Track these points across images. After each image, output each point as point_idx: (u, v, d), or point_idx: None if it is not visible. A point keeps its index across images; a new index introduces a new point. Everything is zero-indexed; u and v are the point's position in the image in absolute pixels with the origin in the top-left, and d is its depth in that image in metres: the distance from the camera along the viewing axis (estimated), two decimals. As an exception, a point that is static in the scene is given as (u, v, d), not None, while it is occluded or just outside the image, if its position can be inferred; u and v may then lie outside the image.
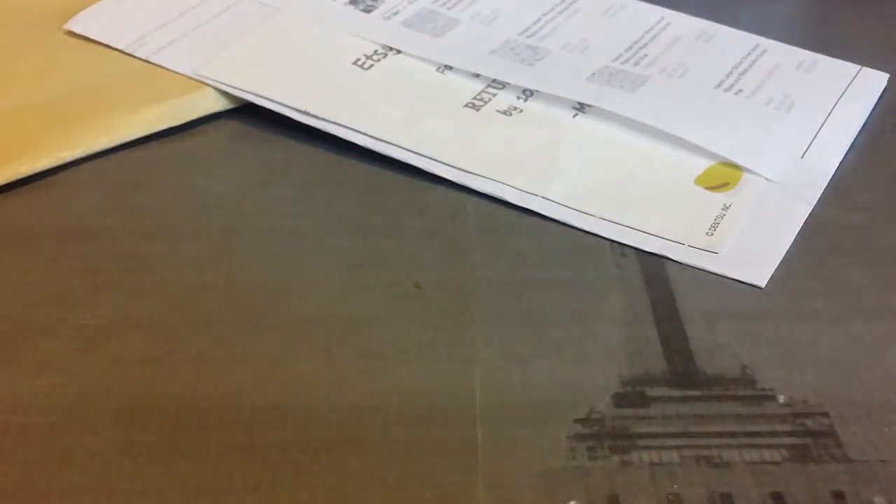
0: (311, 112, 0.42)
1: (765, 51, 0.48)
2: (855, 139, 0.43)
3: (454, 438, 0.31)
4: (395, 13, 0.49)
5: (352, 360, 0.33)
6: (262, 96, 0.43)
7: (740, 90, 0.45)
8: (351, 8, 0.49)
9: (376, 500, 0.29)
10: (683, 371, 0.33)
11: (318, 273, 0.37)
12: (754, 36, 0.49)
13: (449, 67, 0.46)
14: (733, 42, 0.49)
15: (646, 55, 0.47)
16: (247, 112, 0.44)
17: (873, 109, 0.45)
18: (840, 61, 0.48)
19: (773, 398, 0.32)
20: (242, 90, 0.44)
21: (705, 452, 0.30)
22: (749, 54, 0.48)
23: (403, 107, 0.43)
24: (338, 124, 0.42)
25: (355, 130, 0.42)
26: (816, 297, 0.36)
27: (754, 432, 0.31)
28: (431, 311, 0.35)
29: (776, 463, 0.30)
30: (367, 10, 0.49)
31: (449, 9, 0.50)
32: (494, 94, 0.44)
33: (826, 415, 0.32)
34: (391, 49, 0.47)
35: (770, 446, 0.31)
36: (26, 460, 0.30)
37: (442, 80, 0.45)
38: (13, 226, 0.38)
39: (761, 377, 0.33)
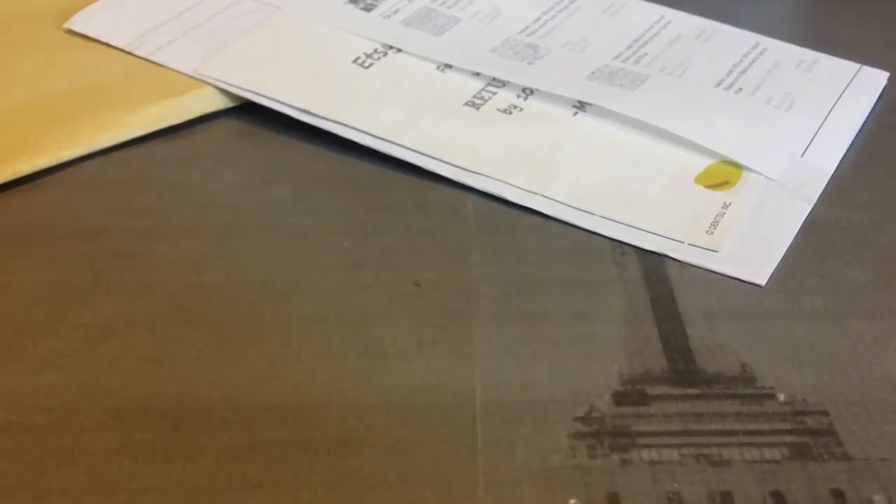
0: (311, 111, 0.42)
1: (765, 49, 0.48)
2: (855, 138, 0.43)
3: (454, 437, 0.31)
4: (395, 12, 0.49)
5: (352, 358, 0.33)
6: (262, 95, 0.43)
7: (740, 89, 0.45)
8: (351, 7, 0.49)
9: (376, 499, 0.29)
10: (683, 369, 0.33)
11: (319, 272, 0.37)
12: (754, 34, 0.49)
13: (449, 66, 0.46)
14: (733, 41, 0.49)
15: (646, 54, 0.47)
16: (247, 111, 0.44)
17: (873, 108, 0.45)
18: (840, 60, 0.48)
19: (772, 396, 0.32)
20: (243, 89, 0.44)
21: (705, 451, 0.30)
22: (749, 53, 0.48)
23: (403, 105, 0.43)
24: (338, 123, 0.42)
25: (355, 129, 0.42)
26: (816, 295, 0.36)
27: (754, 431, 0.31)
28: (432, 309, 0.35)
29: (776, 461, 0.30)
30: (367, 9, 0.49)
31: (449, 7, 0.50)
32: (494, 93, 0.44)
33: (826, 413, 0.32)
34: (391, 48, 0.47)
35: (770, 445, 0.31)
36: (26, 459, 0.30)
37: (442, 78, 0.45)
38: (13, 224, 0.38)
39: (761, 375, 0.33)
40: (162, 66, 0.45)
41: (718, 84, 0.45)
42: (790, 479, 0.30)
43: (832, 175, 0.41)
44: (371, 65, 0.46)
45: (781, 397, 0.32)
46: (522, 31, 0.49)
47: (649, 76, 0.45)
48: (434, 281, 0.36)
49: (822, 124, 0.44)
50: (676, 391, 0.32)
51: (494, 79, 0.45)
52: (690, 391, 0.32)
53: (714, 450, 0.30)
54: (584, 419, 0.31)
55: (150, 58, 0.46)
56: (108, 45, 0.47)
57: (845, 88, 0.46)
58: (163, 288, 0.36)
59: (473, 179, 0.40)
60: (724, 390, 0.32)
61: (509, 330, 0.34)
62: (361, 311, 0.35)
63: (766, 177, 0.40)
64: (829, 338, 0.34)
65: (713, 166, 0.41)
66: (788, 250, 0.38)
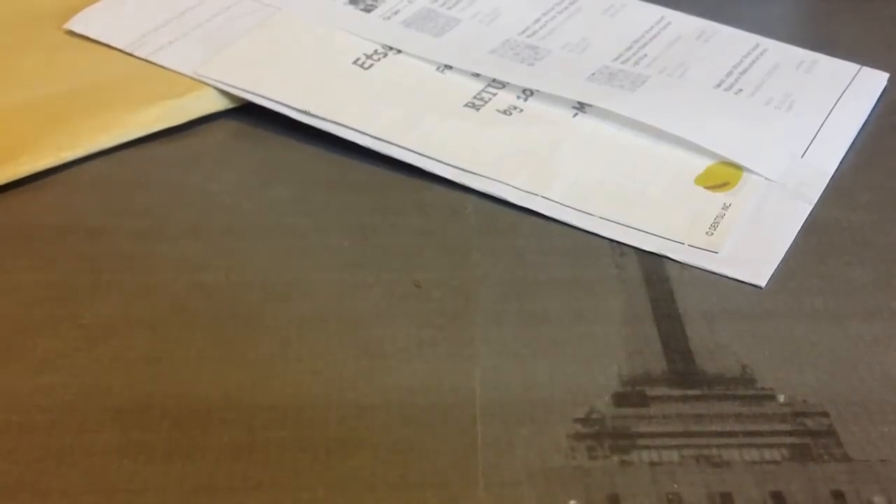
0: (311, 111, 0.42)
1: (765, 50, 0.48)
2: (855, 138, 0.43)
3: (454, 437, 0.31)
4: (395, 13, 0.49)
5: (352, 359, 0.33)
6: (262, 96, 0.43)
7: (740, 90, 0.45)
8: (351, 7, 0.49)
9: (376, 499, 0.29)
10: (683, 370, 0.33)
11: (318, 272, 0.37)
12: (754, 35, 0.49)
13: (449, 67, 0.46)
14: (733, 42, 0.49)
15: (646, 55, 0.47)
16: (247, 112, 0.44)
17: (873, 109, 0.45)
18: (840, 61, 0.48)
19: (773, 398, 0.32)
20: (242, 90, 0.44)
21: (705, 452, 0.30)
22: (749, 54, 0.48)
23: (403, 106, 0.43)
24: (338, 124, 0.42)
25: (355, 130, 0.42)
26: (816, 296, 0.36)
27: (754, 432, 0.31)
28: (431, 310, 0.35)
29: (776, 462, 0.30)
30: (367, 10, 0.49)
31: (449, 8, 0.50)
32: (494, 94, 0.44)
33: (826, 414, 0.32)
34: (391, 48, 0.47)
35: (770, 446, 0.31)
36: (26, 459, 0.30)
37: (442, 79, 0.45)
38: (14, 224, 0.38)
39: (761, 376, 0.33)
40: (162, 66, 0.45)
41: (718, 85, 0.45)
42: (790, 480, 0.30)
43: (832, 176, 0.41)
44: (371, 66, 0.46)
45: (781, 398, 0.32)
46: (522, 32, 0.49)
47: (649, 77, 0.45)
48: (434, 281, 0.36)
49: (822, 125, 0.44)
50: (676, 392, 0.32)
51: (494, 80, 0.45)
52: (690, 392, 0.32)
53: (714, 451, 0.30)
54: (584, 420, 0.31)
55: (150, 59, 0.46)
56: (108, 45, 0.47)
57: (845, 89, 0.46)
58: (163, 288, 0.36)
59: (473, 180, 0.40)
60: (724, 391, 0.32)
61: (509, 330, 0.34)
62: (361, 311, 0.35)
63: (765, 178, 0.40)
64: (829, 338, 0.34)
65: (713, 167, 0.41)
66: (788, 251, 0.38)
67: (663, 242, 0.38)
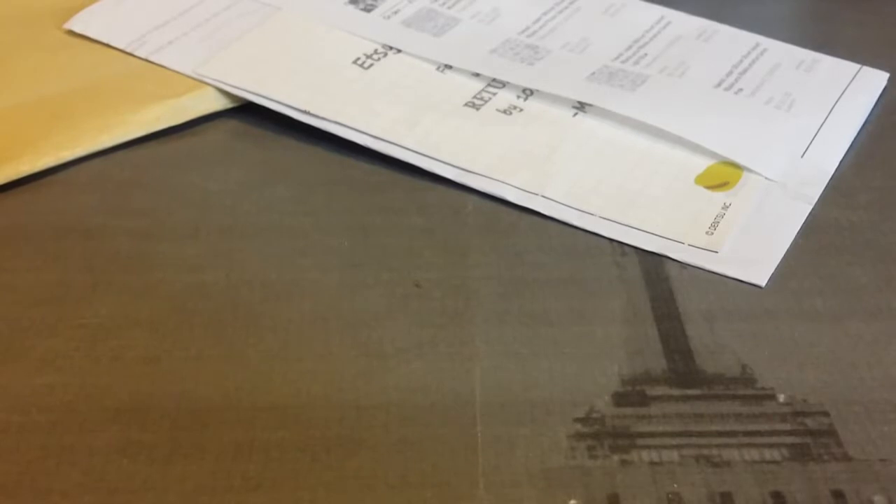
0: (311, 111, 0.42)
1: (765, 50, 0.48)
2: (855, 138, 0.43)
3: (454, 437, 0.31)
4: (396, 12, 0.49)
5: (352, 359, 0.33)
6: (262, 95, 0.43)
7: (740, 89, 0.45)
8: (351, 7, 0.49)
9: (376, 499, 0.29)
10: (683, 370, 0.33)
11: (318, 272, 0.37)
12: (754, 35, 0.49)
13: (449, 66, 0.46)
14: (733, 41, 0.49)
15: (646, 54, 0.47)
16: (247, 111, 0.44)
17: (873, 108, 0.45)
18: (840, 60, 0.48)
19: (773, 397, 0.32)
20: (242, 89, 0.44)
21: (705, 452, 0.30)
22: (749, 53, 0.48)
23: (403, 106, 0.43)
24: (338, 123, 0.42)
25: (355, 129, 0.42)
26: (816, 296, 0.36)
27: (754, 431, 0.31)
28: (431, 309, 0.35)
29: (776, 462, 0.30)
30: (368, 10, 0.49)
31: (449, 8, 0.50)
32: (494, 94, 0.44)
33: (826, 414, 0.32)
34: (391, 48, 0.47)
35: (770, 445, 0.31)
36: (26, 459, 0.30)
37: (442, 79, 0.45)
38: (13, 224, 0.38)
39: (761, 376, 0.33)
40: (162, 66, 0.45)
41: (718, 84, 0.45)
42: (790, 479, 0.30)
43: (832, 175, 0.41)
44: (371, 65, 0.46)
45: (781, 398, 0.32)
46: (522, 31, 0.49)
47: (649, 77, 0.45)
48: (434, 281, 0.36)
49: (822, 125, 0.44)
50: (676, 392, 0.32)
51: (494, 79, 0.45)
52: (690, 392, 0.32)
53: (714, 451, 0.30)
54: (584, 420, 0.31)
55: (149, 58, 0.46)
56: (108, 45, 0.47)
57: (845, 89, 0.46)
58: (163, 288, 0.36)
59: (473, 180, 0.40)
60: (724, 391, 0.32)
61: (509, 330, 0.34)
62: (361, 311, 0.35)
63: (766, 177, 0.40)
64: (829, 338, 0.34)
65: (713, 167, 0.41)
66: (788, 251, 0.38)
67: (663, 242, 0.38)
